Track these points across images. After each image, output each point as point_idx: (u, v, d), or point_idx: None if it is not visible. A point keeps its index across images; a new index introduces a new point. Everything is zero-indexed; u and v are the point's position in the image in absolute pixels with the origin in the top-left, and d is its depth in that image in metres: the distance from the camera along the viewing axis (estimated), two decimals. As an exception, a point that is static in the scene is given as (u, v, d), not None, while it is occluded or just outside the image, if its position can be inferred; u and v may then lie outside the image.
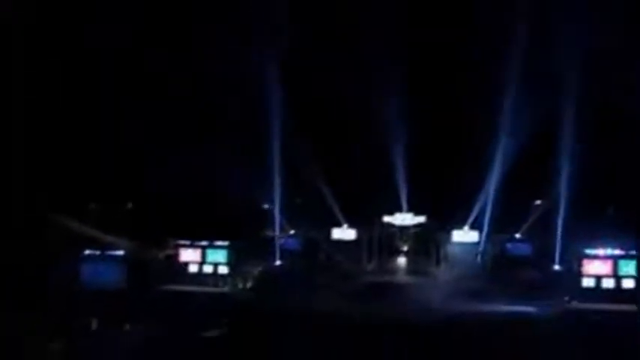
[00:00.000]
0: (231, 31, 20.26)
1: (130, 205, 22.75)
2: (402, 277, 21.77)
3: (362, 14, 21.08)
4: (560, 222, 21.10)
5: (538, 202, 21.74)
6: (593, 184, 20.86)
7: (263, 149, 21.12)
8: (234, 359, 13.35)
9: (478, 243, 22.00)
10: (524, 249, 21.52)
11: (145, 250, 19.78)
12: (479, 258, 21.73)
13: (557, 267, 19.75)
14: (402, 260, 22.75)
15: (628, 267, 17.49)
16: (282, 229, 22.00)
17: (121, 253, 18.96)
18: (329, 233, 22.93)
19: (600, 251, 18.15)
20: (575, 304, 17.67)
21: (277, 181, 21.45)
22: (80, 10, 19.58)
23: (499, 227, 21.89)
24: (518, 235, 21.85)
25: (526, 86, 21.17)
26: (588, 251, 18.20)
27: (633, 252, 17.36)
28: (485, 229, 21.87)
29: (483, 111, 21.33)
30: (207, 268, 19.77)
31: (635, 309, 16.57)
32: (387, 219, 23.09)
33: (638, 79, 19.25)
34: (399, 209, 22.99)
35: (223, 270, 19.77)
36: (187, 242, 19.93)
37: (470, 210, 22.04)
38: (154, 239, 20.24)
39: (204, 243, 19.83)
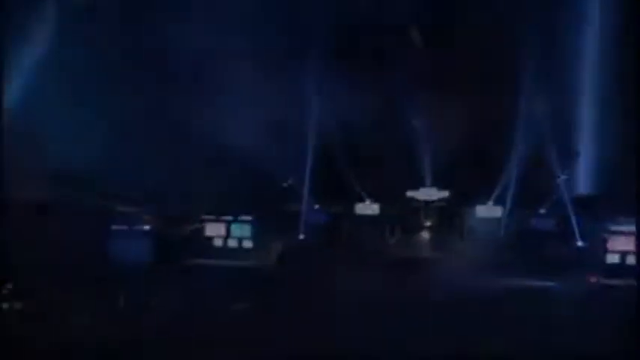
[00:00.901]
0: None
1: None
2: (425, 253, 21.81)
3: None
4: (584, 198, 21.09)
5: (562, 177, 21.61)
6: (618, 159, 20.71)
7: (288, 125, 21.14)
8: (261, 332, 13.49)
9: (502, 218, 21.93)
10: (549, 225, 21.45)
11: (171, 225, 19.96)
12: (503, 233, 21.69)
13: (580, 243, 19.74)
14: (425, 235, 22.70)
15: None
16: (306, 203, 22.03)
17: (147, 228, 19.18)
18: (352, 208, 22.94)
19: (625, 227, 18.13)
20: (599, 279, 17.71)
21: (302, 156, 21.52)
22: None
23: (523, 202, 21.80)
24: (542, 211, 21.77)
25: (552, 57, 21.16)
26: (613, 227, 18.18)
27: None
28: (509, 204, 21.78)
29: (506, 87, 21.34)
30: (232, 243, 20.04)
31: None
32: (410, 194, 23.03)
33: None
34: (423, 184, 22.93)
35: (248, 244, 20.02)
36: (212, 217, 20.13)
37: (494, 185, 21.95)
38: (180, 214, 20.42)
39: (229, 218, 20.04)
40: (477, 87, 21.38)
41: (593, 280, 17.22)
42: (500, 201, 21.87)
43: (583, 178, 21.36)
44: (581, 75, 21.04)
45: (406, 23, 21.73)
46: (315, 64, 20.82)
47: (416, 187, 22.84)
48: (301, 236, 21.25)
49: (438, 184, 22.68)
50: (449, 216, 22.66)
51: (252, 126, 20.00)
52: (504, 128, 21.13)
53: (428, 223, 22.77)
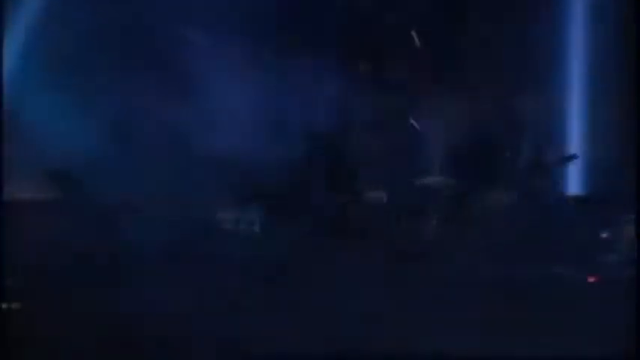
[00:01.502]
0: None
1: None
2: (433, 241, 21.83)
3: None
4: (595, 184, 21.08)
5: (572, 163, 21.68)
6: (629, 147, 20.70)
7: (296, 117, 21.21)
8: (280, 316, 13.67)
9: (511, 206, 21.97)
10: (557, 213, 21.46)
11: (180, 213, 19.99)
12: (511, 221, 21.69)
13: (589, 232, 19.73)
14: (433, 224, 22.77)
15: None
16: (313, 192, 22.09)
17: (156, 216, 19.21)
18: (360, 197, 22.97)
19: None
20: (612, 269, 17.71)
21: (309, 146, 21.56)
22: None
23: (532, 192, 21.84)
24: (551, 200, 21.79)
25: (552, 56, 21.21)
26: (627, 215, 18.18)
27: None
28: (518, 193, 21.83)
29: (510, 84, 21.48)
30: (241, 231, 20.10)
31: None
32: (418, 183, 23.10)
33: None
34: (431, 173, 23.00)
35: (257, 233, 20.09)
36: (221, 205, 20.23)
37: (502, 174, 22.02)
38: (188, 202, 20.46)
39: (238, 206, 20.14)
40: (481, 83, 21.54)
41: (592, 279, 17.26)
42: (508, 189, 21.97)
43: (582, 178, 21.47)
44: (582, 73, 21.14)
45: (415, 22, 21.82)
46: (318, 58, 20.90)
47: (424, 176, 22.94)
48: (309, 225, 21.29)
49: (447, 172, 22.77)
50: (457, 204, 22.69)
51: (262, 120, 20.19)
52: (511, 123, 21.31)
53: (436, 212, 22.83)
